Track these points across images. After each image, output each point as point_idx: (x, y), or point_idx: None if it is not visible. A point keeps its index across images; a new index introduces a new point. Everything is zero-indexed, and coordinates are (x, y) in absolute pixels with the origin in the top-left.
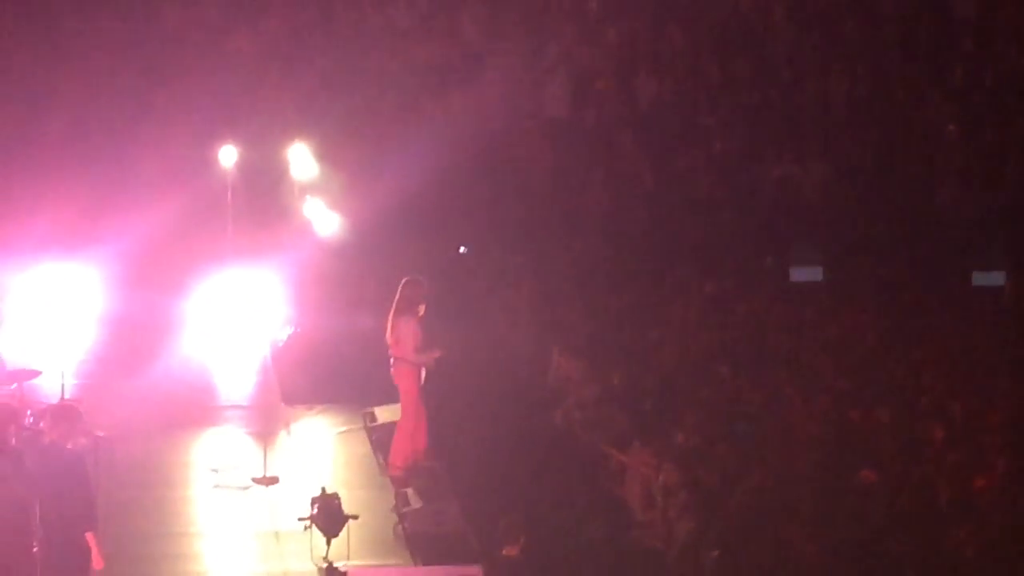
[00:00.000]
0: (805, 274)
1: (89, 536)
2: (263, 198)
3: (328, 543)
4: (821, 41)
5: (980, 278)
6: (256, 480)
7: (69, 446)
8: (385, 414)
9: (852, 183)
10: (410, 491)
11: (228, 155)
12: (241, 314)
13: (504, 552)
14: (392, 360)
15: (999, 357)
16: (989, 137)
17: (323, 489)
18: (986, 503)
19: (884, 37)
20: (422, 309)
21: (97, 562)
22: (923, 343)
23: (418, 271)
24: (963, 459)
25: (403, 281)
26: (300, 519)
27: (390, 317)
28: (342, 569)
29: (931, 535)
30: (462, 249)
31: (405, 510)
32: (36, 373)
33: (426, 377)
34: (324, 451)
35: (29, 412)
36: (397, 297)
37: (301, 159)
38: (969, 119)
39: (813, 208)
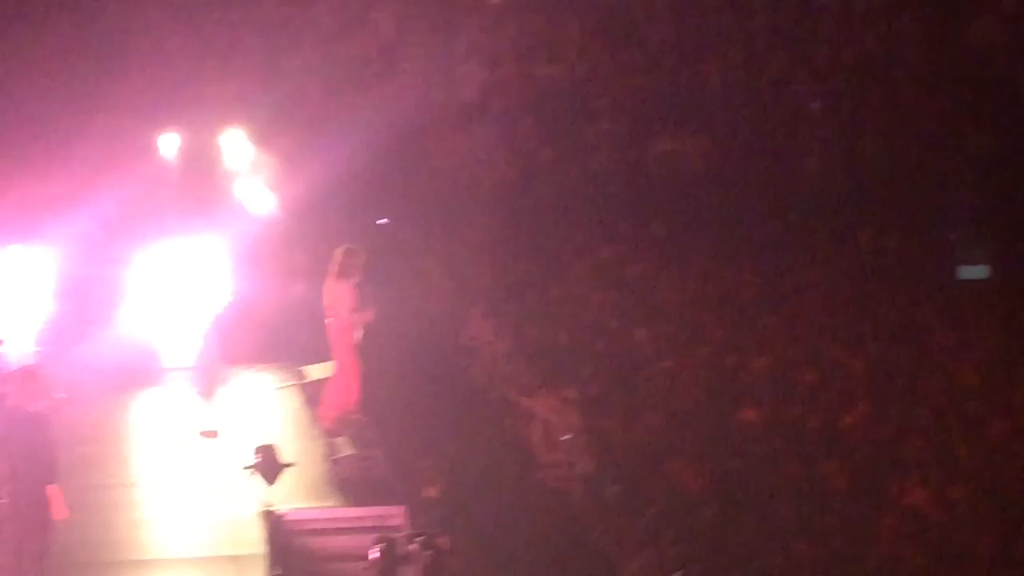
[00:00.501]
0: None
1: (52, 488)
2: (203, 179)
3: (268, 489)
4: (698, 30)
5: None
6: (200, 433)
7: (32, 408)
8: (315, 372)
9: (728, 157)
10: (340, 440)
11: (169, 141)
12: (183, 283)
13: (425, 493)
14: (327, 320)
15: (864, 307)
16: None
17: (263, 440)
18: (852, 439)
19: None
20: (357, 276)
21: (60, 512)
22: (796, 296)
23: (349, 242)
24: (830, 398)
25: (341, 249)
26: (243, 468)
27: (327, 282)
28: (281, 512)
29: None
30: (382, 221)
31: (336, 457)
32: None
33: (360, 337)
34: (261, 406)
35: None
36: (335, 264)
37: (238, 144)
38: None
39: (696, 179)
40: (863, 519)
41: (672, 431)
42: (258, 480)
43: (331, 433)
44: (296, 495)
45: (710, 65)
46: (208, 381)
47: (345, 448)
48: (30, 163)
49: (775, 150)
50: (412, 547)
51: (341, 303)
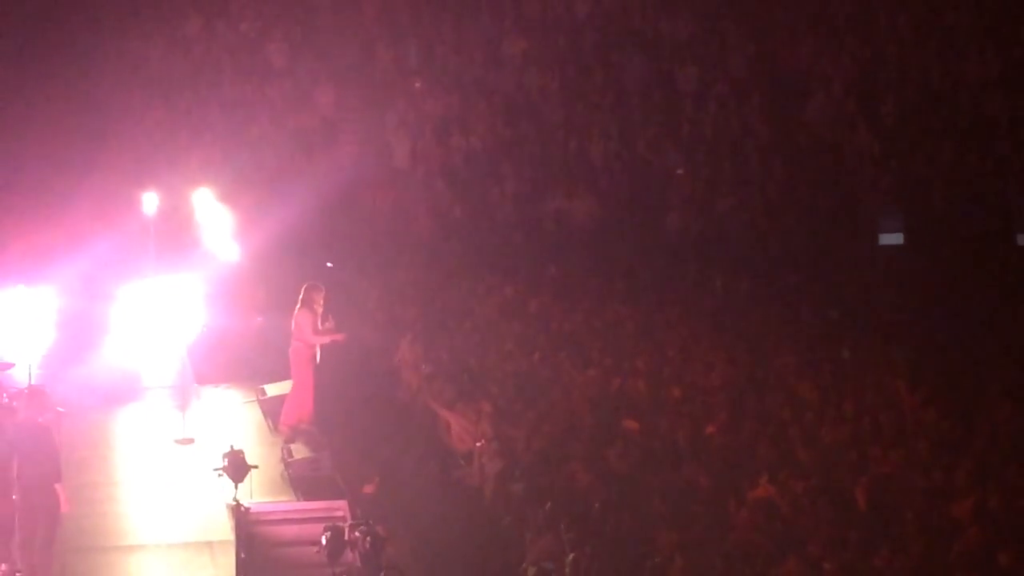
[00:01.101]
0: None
1: (57, 486)
2: (178, 230)
3: (236, 487)
4: (585, 107)
5: None
6: (177, 441)
7: (39, 420)
8: (273, 389)
9: (609, 213)
10: (294, 446)
11: (150, 199)
12: (162, 316)
13: (364, 490)
14: (292, 344)
15: (719, 337)
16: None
17: (231, 446)
18: (714, 445)
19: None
20: (319, 307)
21: (64, 506)
22: (665, 328)
23: (302, 282)
24: (695, 411)
25: (305, 286)
26: (214, 469)
27: (295, 311)
28: (246, 505)
29: (672, 471)
30: (328, 264)
31: (290, 460)
32: (11, 365)
33: (319, 359)
34: (229, 418)
35: (5, 395)
36: (300, 296)
37: (206, 201)
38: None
39: (583, 231)
40: (721, 511)
41: (567, 438)
42: (227, 479)
43: (287, 439)
44: (258, 491)
45: (594, 137)
46: (184, 397)
47: (297, 452)
48: (32, 216)
49: (645, 207)
50: (355, 534)
51: (305, 330)
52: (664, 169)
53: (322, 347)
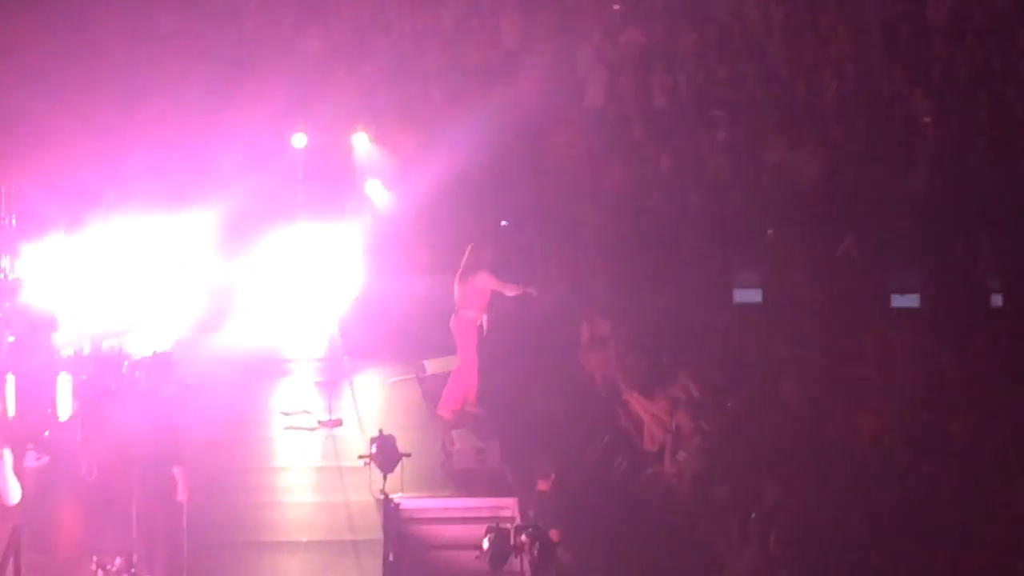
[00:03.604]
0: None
1: (176, 470)
2: (332, 176)
3: (384, 477)
4: (812, 40)
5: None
6: (322, 423)
7: (162, 394)
8: (434, 366)
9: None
10: (456, 432)
11: (299, 140)
12: (312, 276)
13: (537, 487)
14: (456, 315)
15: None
16: None
17: (380, 430)
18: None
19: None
20: (485, 271)
21: (183, 493)
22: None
23: (472, 240)
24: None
25: (470, 246)
26: (360, 456)
27: (457, 277)
28: (396, 500)
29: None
30: (503, 223)
31: (451, 449)
32: (129, 330)
33: (486, 332)
34: (381, 398)
35: (126, 363)
36: (464, 259)
37: (363, 145)
38: None
39: (808, 189)
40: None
41: (782, 435)
42: (375, 469)
43: (449, 425)
44: (411, 484)
45: (825, 77)
46: (332, 372)
47: (460, 440)
48: (170, 153)
49: (886, 162)
50: (523, 538)
51: (468, 298)
52: (909, 116)
53: (492, 318)
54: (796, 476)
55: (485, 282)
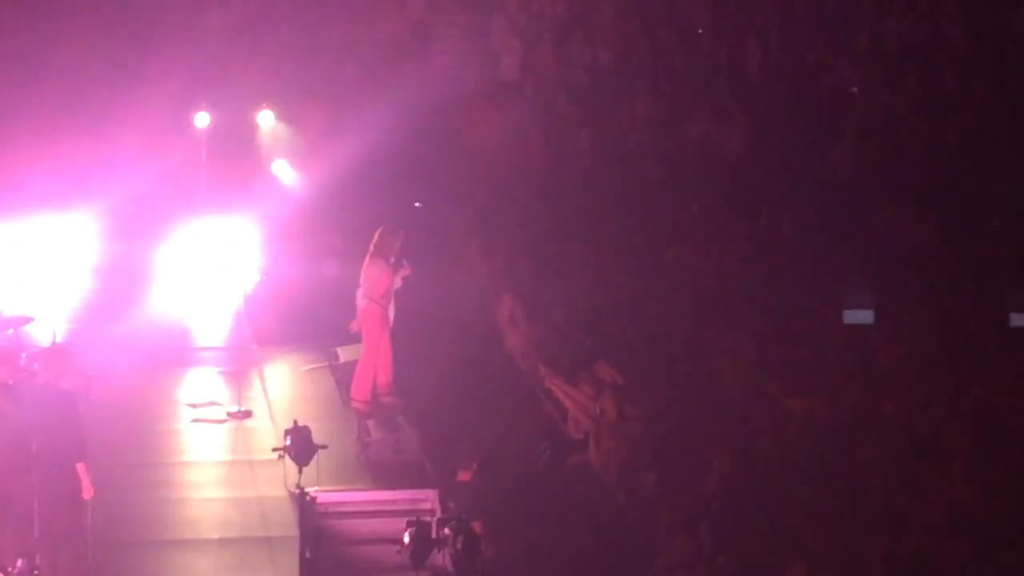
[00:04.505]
0: None
1: (80, 467)
2: (234, 158)
3: (300, 471)
4: (735, 8)
5: None
6: (231, 414)
7: (62, 386)
8: (347, 353)
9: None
10: (372, 423)
11: (202, 120)
12: (215, 264)
13: (458, 477)
14: (361, 302)
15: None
16: None
17: (295, 421)
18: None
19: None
20: (394, 255)
21: (87, 491)
22: (834, 284)
23: (387, 222)
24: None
25: (379, 230)
26: (274, 449)
27: (365, 262)
28: (312, 494)
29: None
30: (416, 204)
31: (367, 440)
32: (29, 319)
33: (394, 319)
34: (292, 387)
35: (24, 355)
36: (372, 242)
37: (268, 123)
38: None
39: (733, 163)
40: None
41: (710, 417)
42: (290, 462)
43: (361, 415)
44: (328, 477)
45: (748, 46)
46: (240, 361)
47: (376, 431)
48: (61, 137)
49: (811, 135)
50: (445, 531)
51: (376, 283)
52: (836, 86)
53: (405, 301)
54: (727, 462)
55: (373, 286)
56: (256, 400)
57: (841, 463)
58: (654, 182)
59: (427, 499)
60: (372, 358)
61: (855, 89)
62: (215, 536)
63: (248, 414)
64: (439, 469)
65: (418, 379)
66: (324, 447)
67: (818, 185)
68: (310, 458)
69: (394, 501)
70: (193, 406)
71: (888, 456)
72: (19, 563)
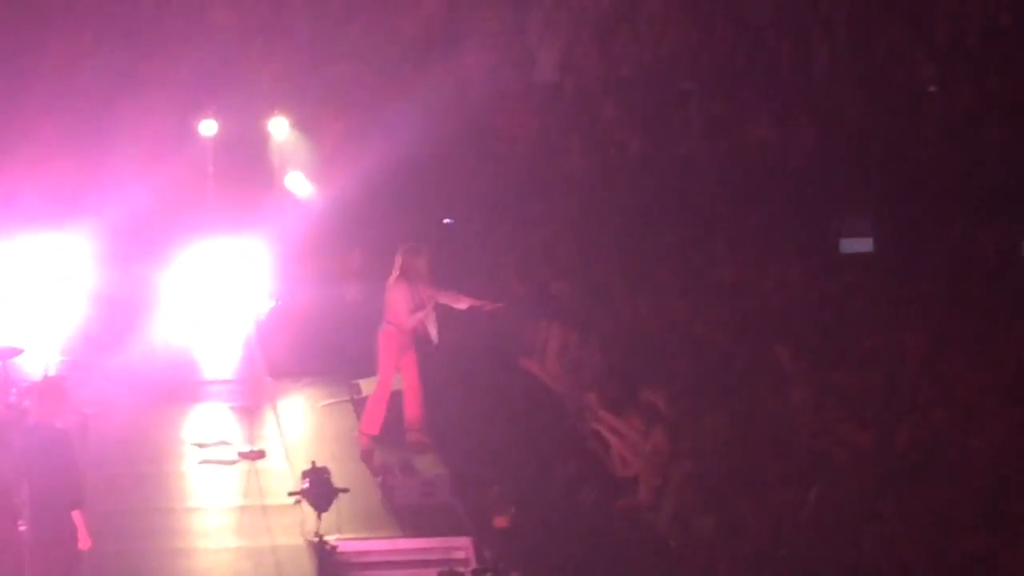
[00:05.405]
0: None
1: (76, 515)
2: (244, 170)
3: (318, 517)
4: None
5: None
6: (243, 455)
7: (56, 424)
8: (370, 386)
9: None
10: (397, 464)
11: (208, 128)
12: (224, 288)
13: (494, 523)
14: (382, 327)
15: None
16: None
17: (313, 463)
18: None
19: None
20: (420, 277)
21: (84, 541)
22: (914, 305)
23: (412, 240)
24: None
25: (402, 248)
26: (290, 493)
27: (387, 285)
28: (332, 542)
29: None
30: (446, 220)
31: (393, 483)
32: (19, 351)
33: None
34: (310, 424)
35: (13, 390)
36: (396, 263)
37: (281, 131)
38: None
39: (797, 170)
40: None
41: (777, 454)
42: (307, 507)
43: (366, 455)
44: (349, 524)
45: (816, 42)
46: (252, 395)
47: (406, 472)
48: (54, 143)
49: (887, 138)
50: None
51: (401, 308)
52: (913, 88)
53: (439, 328)
54: (791, 503)
55: (397, 309)
56: (270, 439)
57: (916, 500)
58: (709, 191)
59: (461, 547)
60: (386, 387)
61: (933, 88)
62: None
63: (261, 454)
64: (473, 514)
65: (452, 414)
66: (345, 491)
67: (892, 193)
68: (330, 503)
69: (424, 550)
70: (200, 446)
71: (969, 493)
72: None
